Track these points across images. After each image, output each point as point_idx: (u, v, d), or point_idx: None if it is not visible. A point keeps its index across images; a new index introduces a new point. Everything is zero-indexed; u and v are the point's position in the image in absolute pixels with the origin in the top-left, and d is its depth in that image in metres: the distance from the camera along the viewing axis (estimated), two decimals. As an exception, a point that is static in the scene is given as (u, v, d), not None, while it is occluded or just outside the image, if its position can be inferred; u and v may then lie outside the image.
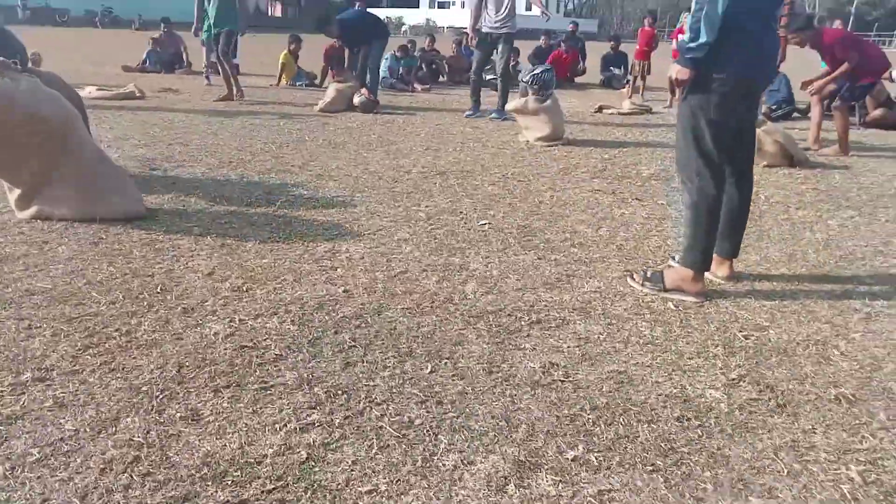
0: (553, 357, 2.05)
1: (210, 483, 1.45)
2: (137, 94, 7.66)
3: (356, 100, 7.43)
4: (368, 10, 8.01)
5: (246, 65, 11.16)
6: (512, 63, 11.55)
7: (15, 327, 2.10)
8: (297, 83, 9.84)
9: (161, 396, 1.76)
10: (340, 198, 3.77)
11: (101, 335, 2.07)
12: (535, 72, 5.77)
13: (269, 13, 50.02)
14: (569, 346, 2.12)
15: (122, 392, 1.78)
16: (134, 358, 1.95)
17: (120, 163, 4.36)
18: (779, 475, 1.53)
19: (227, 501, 1.39)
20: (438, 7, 59.20)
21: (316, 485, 1.46)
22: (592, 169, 4.75)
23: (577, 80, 11.93)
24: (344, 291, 2.48)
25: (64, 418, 1.65)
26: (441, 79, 11.38)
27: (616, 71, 11.73)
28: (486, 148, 5.47)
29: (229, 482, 1.45)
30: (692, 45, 2.28)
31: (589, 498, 1.44)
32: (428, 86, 10.38)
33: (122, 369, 1.89)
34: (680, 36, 8.84)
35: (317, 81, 9.93)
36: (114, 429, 1.62)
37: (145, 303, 2.32)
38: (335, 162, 4.69)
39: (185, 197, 3.67)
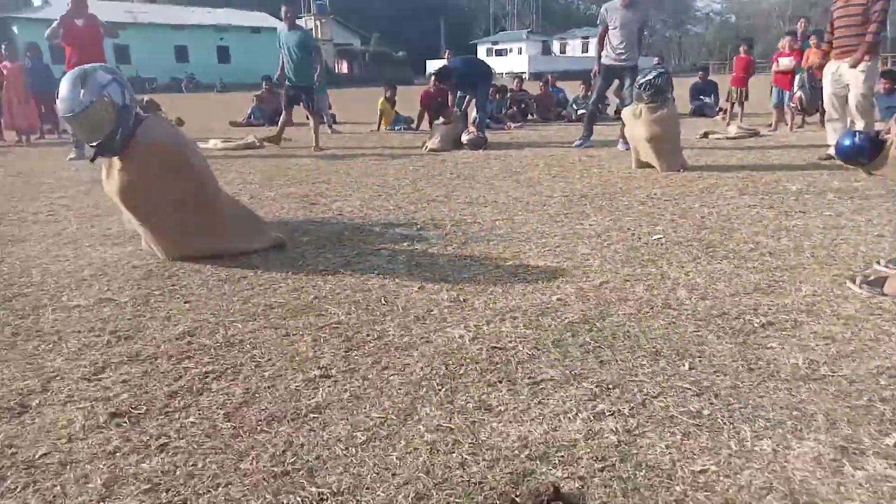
0: (808, 354, 2.02)
1: (539, 462, 1.49)
2: (258, 144, 8.13)
3: (465, 138, 7.65)
4: (471, 56, 8.29)
5: (341, 115, 11.68)
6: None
7: (274, 334, 2.24)
8: (396, 128, 10.22)
9: (444, 389, 1.84)
10: (500, 221, 3.86)
11: (357, 339, 2.19)
12: (648, 77, 5.62)
13: (336, 70, 52.34)
14: (817, 345, 2.08)
15: (406, 386, 1.86)
16: (399, 358, 2.04)
17: (279, 200, 4.63)
18: None
19: (567, 477, 1.43)
20: (496, 55, 60.51)
21: (644, 464, 1.47)
22: (734, 186, 4.70)
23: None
24: (558, 300, 2.53)
25: (365, 408, 1.74)
26: (530, 116, 11.56)
27: (706, 99, 11.63)
28: (612, 173, 5.49)
29: (556, 461, 1.49)
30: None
31: (937, 478, 1.39)
32: (520, 123, 10.58)
33: (394, 367, 1.98)
34: (781, 59, 8.73)
35: (413, 125, 10.28)
36: (417, 417, 1.70)
37: (378, 312, 2.43)
38: (474, 192, 4.81)
39: (360, 223, 3.85)
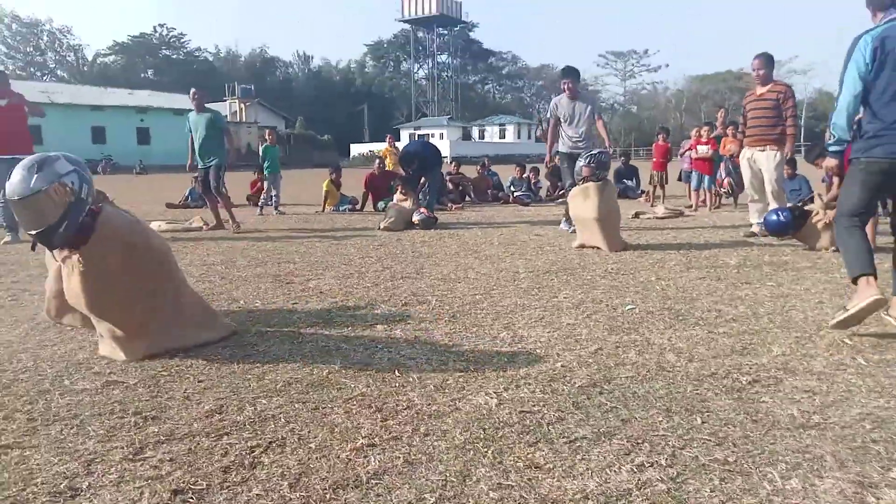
0: (798, 406, 2.27)
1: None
2: (205, 227, 8.06)
3: (416, 218, 7.91)
4: (425, 140, 8.73)
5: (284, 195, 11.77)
6: (535, 180, 12.38)
7: (304, 408, 2.28)
8: (341, 208, 10.40)
9: (490, 451, 1.94)
10: (479, 295, 4.05)
11: (387, 409, 2.26)
12: (592, 152, 6.14)
13: (260, 151, 52.51)
14: (802, 397, 2.35)
15: (453, 450, 1.95)
16: (435, 424, 2.14)
17: (251, 281, 4.64)
18: None
19: None
20: (419, 139, 62.85)
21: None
22: (680, 261, 5.13)
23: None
24: (562, 366, 2.70)
25: (423, 472, 1.82)
26: (467, 198, 12.07)
27: (629, 182, 12.58)
28: (563, 251, 5.85)
29: None
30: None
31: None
32: (460, 204, 11.02)
33: (435, 433, 2.07)
34: (699, 147, 9.67)
35: (358, 206, 10.50)
36: (474, 477, 1.79)
37: (396, 384, 2.52)
38: (443, 269, 5.00)
39: (344, 300, 3.92)
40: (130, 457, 1.91)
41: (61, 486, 1.74)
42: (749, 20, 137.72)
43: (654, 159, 10.54)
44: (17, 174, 2.63)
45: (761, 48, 6.67)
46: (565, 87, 6.93)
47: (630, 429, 2.09)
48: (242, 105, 53.27)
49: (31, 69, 70.16)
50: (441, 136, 63.32)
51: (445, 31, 77.38)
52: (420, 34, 78.52)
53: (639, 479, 1.76)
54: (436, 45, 78.08)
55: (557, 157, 7.52)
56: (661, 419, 2.17)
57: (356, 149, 56.87)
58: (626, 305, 3.71)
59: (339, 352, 2.93)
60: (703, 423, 2.14)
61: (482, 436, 2.05)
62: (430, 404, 2.31)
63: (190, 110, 8.44)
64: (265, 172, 10.48)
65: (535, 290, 4.17)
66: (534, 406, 2.28)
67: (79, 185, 2.72)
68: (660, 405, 2.29)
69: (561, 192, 11.15)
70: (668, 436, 2.04)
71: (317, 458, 1.91)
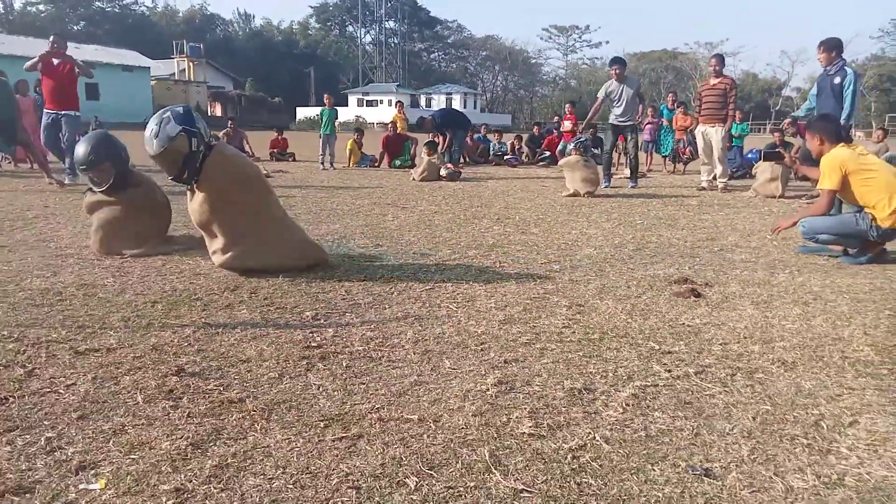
0: (743, 256, 4.57)
1: (672, 278, 3.84)
2: (270, 175, 9.82)
3: (443, 171, 9.97)
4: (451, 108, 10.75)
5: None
6: (518, 146, 14.60)
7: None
8: (362, 165, 12.27)
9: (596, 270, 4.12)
10: (540, 216, 6.21)
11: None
12: (580, 139, 8.49)
13: (210, 112, 52.25)
14: (744, 255, 4.65)
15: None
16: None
17: (338, 217, 6.63)
18: None
19: (686, 279, 3.80)
20: (367, 105, 63.65)
21: (708, 277, 3.88)
22: (660, 202, 7.45)
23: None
24: (618, 242, 4.91)
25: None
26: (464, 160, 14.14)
27: (596, 151, 14.98)
28: (559, 196, 8.10)
29: (677, 278, 3.85)
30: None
31: None
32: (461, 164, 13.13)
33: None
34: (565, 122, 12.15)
35: (377, 164, 12.40)
36: (610, 271, 3.97)
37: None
38: (492, 208, 7.12)
39: (420, 236, 6.00)
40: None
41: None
42: (684, 2, 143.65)
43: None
44: (148, 136, 3.44)
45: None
46: (613, 72, 9.01)
47: (659, 266, 4.31)
48: (191, 63, 52.66)
49: (-48, 15, 65.95)
50: (390, 103, 64.45)
51: (392, -4, 77.65)
52: (367, -2, 78.44)
53: (664, 273, 3.98)
54: (384, 11, 78.32)
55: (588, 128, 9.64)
56: (675, 259, 4.40)
57: (302, 112, 57.12)
58: (637, 220, 5.97)
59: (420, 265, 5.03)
60: (695, 263, 4.38)
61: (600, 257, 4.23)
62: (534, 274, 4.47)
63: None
64: (322, 133, 11.78)
65: (576, 213, 6.37)
66: (611, 258, 4.48)
67: (188, 140, 3.46)
68: (675, 252, 4.52)
69: (541, 158, 13.50)
70: (680, 260, 4.27)
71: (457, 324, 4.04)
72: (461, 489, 1.57)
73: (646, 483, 1.61)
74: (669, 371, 2.34)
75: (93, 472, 1.61)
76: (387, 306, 3.11)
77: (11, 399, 2.01)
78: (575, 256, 4.36)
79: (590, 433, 1.86)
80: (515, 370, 2.33)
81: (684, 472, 1.66)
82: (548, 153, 13.75)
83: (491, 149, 14.40)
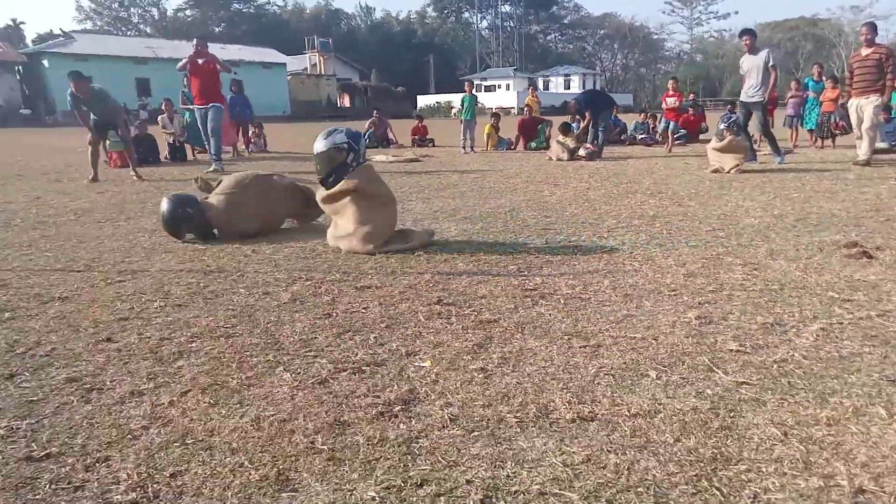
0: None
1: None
2: (419, 159, 10.65)
3: (582, 151, 10.31)
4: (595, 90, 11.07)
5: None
6: (653, 125, 14.50)
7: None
8: (500, 148, 12.86)
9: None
10: (695, 190, 6.45)
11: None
12: (732, 119, 8.44)
13: (339, 104, 55.16)
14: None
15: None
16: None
17: (470, 200, 7.15)
18: None
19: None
20: (485, 91, 64.31)
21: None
22: (803, 177, 7.40)
23: (702, 136, 14.78)
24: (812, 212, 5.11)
25: (750, 236, 4.29)
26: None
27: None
28: (704, 172, 8.17)
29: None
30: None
31: (981, 241, 4.00)
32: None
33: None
34: (668, 99, 11.78)
35: (513, 147, 12.94)
36: (775, 237, 4.24)
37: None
38: (642, 184, 7.40)
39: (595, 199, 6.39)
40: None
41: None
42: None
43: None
44: (319, 138, 4.01)
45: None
46: (745, 43, 8.82)
47: (825, 233, 4.48)
48: (321, 58, 55.78)
49: (118, 24, 74.10)
50: (507, 87, 64.70)
51: (509, -20, 77.43)
52: (485, -17, 78.77)
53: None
54: (501, -5, 78.36)
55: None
56: (840, 227, 4.54)
57: (422, 100, 58.71)
58: (793, 194, 6.06)
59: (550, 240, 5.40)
60: (861, 231, 4.49)
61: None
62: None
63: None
64: (463, 118, 12.56)
65: (728, 188, 6.55)
66: (773, 226, 4.70)
67: (347, 152, 3.99)
68: (838, 222, 4.66)
69: (677, 137, 13.28)
70: (846, 228, 4.42)
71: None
72: (693, 380, 2.07)
73: (845, 384, 2.02)
74: (851, 314, 2.68)
75: (417, 357, 2.28)
76: (576, 263, 3.63)
77: (334, 314, 2.76)
78: (737, 225, 4.64)
79: (789, 352, 2.28)
80: (710, 309, 2.77)
81: (878, 379, 2.05)
82: (684, 131, 13.60)
83: (633, 129, 14.43)
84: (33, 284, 3.37)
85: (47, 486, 1.58)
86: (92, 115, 8.49)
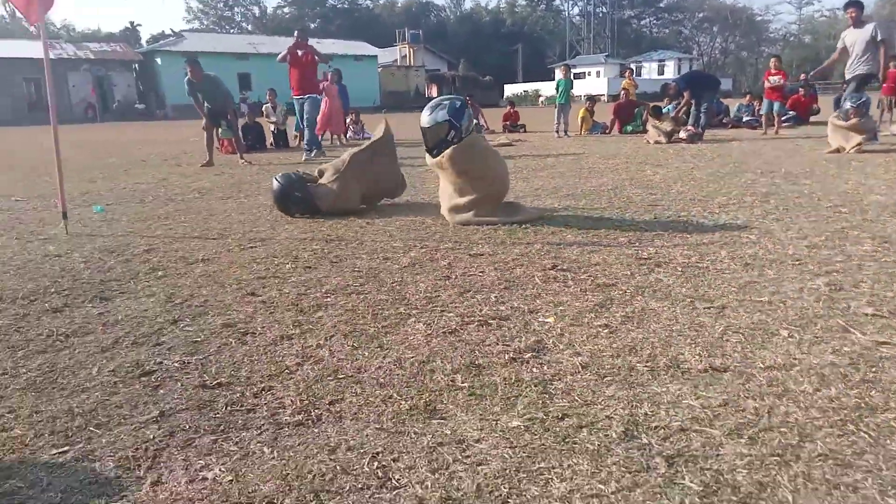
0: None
1: None
2: (512, 143, 10.68)
3: (683, 134, 9.97)
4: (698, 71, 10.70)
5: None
6: (758, 107, 13.76)
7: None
8: (594, 132, 12.65)
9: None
10: (815, 171, 6.13)
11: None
12: (861, 100, 7.89)
13: (427, 94, 55.85)
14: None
15: (885, 208, 4.16)
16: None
17: (600, 174, 7.03)
18: None
19: None
20: (575, 78, 63.11)
21: None
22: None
23: (812, 118, 13.90)
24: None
25: (878, 212, 4.05)
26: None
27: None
28: (818, 153, 7.70)
29: None
30: None
31: None
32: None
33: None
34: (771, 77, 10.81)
35: (607, 131, 12.69)
36: None
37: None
38: (750, 164, 7.09)
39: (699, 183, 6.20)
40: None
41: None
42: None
43: (885, 84, 11.64)
44: (425, 112, 4.16)
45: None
46: (850, 16, 8.25)
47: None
48: (411, 49, 56.60)
49: (222, 23, 78.29)
50: (598, 74, 63.09)
51: (602, -36, 75.25)
52: (576, -31, 76.92)
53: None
54: (593, -20, 76.32)
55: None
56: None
57: (509, 89, 58.28)
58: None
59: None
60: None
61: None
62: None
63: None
64: (558, 102, 12.48)
65: (846, 167, 6.17)
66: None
67: (448, 128, 4.09)
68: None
69: (785, 119, 12.59)
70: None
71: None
72: (828, 339, 2.03)
73: None
74: None
75: (539, 314, 2.37)
76: (688, 235, 3.58)
77: (452, 276, 2.89)
78: (861, 202, 4.40)
79: (932, 318, 2.19)
80: (839, 278, 2.68)
81: None
82: (792, 112, 12.84)
83: (737, 110, 13.79)
84: (177, 249, 3.72)
85: (224, 407, 1.79)
86: (206, 103, 9.07)
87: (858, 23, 8.29)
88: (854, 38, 8.32)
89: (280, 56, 9.73)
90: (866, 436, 1.45)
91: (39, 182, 7.37)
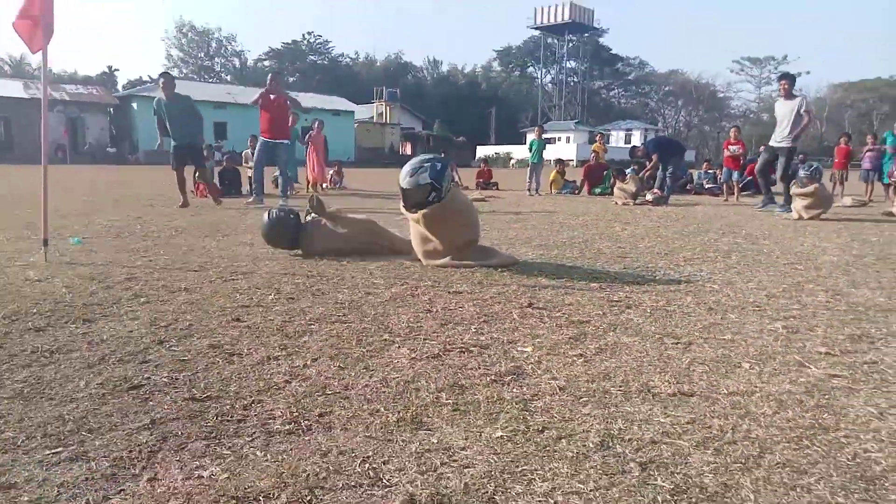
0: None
1: None
2: (486, 199, 10.98)
3: (650, 196, 10.41)
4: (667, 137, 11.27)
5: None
6: (719, 175, 14.41)
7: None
8: (564, 191, 13.08)
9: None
10: (773, 232, 6.47)
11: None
12: (813, 167, 8.39)
13: (401, 151, 56.88)
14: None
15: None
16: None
17: (554, 230, 7.30)
18: None
19: None
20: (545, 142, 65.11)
21: None
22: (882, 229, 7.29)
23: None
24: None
25: (830, 270, 4.32)
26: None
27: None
28: (788, 219, 8.13)
29: None
30: None
31: None
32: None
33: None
34: (730, 146, 11.66)
35: (577, 192, 13.14)
36: (856, 272, 4.26)
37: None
38: (713, 225, 7.45)
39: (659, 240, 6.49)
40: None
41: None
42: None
43: (836, 160, 12.42)
44: (405, 172, 4.21)
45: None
46: (782, 87, 8.71)
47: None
48: (388, 107, 57.92)
49: (202, 73, 79.24)
50: (568, 140, 65.26)
51: (575, 38, 78.99)
52: (550, 40, 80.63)
53: None
54: (565, 51, 79.89)
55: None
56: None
57: (482, 150, 59.73)
58: (872, 238, 6.01)
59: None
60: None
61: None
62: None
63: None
64: (530, 161, 12.92)
65: (802, 232, 6.54)
66: (853, 264, 4.70)
67: (429, 190, 4.17)
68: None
69: (743, 187, 13.19)
70: None
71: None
72: (785, 371, 2.19)
73: (937, 384, 2.10)
74: (941, 332, 2.73)
75: (518, 344, 2.48)
76: (656, 283, 3.77)
77: (433, 310, 3.00)
78: (815, 261, 4.68)
79: (879, 356, 2.37)
80: (795, 322, 2.87)
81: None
82: (750, 178, 13.50)
83: (699, 179, 14.44)
84: (158, 278, 3.76)
85: (214, 417, 1.84)
86: (170, 131, 8.65)
87: (790, 95, 8.72)
88: (783, 110, 8.79)
89: (252, 99, 9.67)
90: (819, 449, 1.59)
91: (10, 215, 7.31)
